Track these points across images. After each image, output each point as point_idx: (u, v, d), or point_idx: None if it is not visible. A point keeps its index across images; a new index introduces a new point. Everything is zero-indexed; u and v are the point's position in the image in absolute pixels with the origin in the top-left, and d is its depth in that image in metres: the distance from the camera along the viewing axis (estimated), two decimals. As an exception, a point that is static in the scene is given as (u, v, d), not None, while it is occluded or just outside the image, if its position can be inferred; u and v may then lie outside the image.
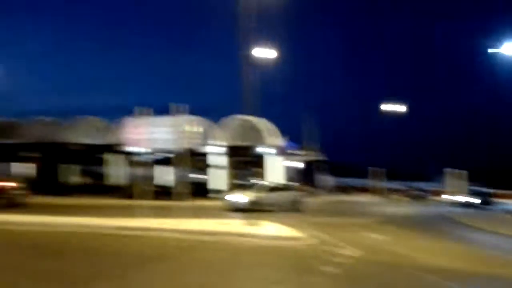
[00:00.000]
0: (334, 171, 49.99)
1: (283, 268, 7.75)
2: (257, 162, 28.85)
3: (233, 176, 32.12)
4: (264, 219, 13.64)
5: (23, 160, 27.75)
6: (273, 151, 28.17)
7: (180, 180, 22.47)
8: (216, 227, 12.07)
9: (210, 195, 27.11)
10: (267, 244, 10.24)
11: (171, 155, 23.78)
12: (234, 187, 28.39)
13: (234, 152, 29.31)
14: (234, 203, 19.73)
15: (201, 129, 28.48)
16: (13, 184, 18.72)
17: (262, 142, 28.90)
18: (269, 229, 12.17)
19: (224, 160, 29.96)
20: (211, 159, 29.31)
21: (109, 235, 11.30)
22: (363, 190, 47.47)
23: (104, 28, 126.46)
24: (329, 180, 47.50)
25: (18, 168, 30.54)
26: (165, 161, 26.37)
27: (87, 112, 32.41)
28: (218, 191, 27.19)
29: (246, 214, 14.79)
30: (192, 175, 33.97)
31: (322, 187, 42.16)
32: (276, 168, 28.50)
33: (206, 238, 10.84)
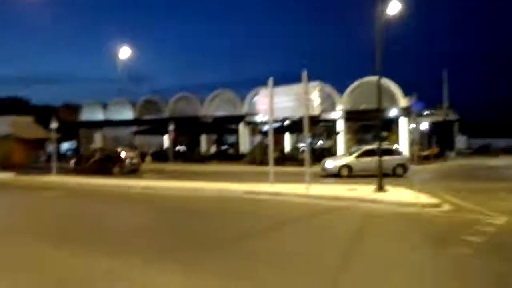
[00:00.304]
0: (470, 131, 44.86)
1: (419, 235, 7.39)
2: (385, 125, 27.53)
3: (356, 141, 31.37)
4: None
5: (164, 133, 31.04)
6: (402, 112, 26.51)
7: (304, 147, 22.93)
8: (343, 192, 12.03)
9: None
10: (400, 211, 9.84)
11: (296, 123, 24.45)
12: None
13: (359, 116, 28.47)
14: (327, 169, 19.48)
15: (326, 96, 28.37)
16: (131, 154, 22.59)
17: (391, 104, 27.41)
18: (399, 194, 11.65)
19: (347, 126, 29.39)
20: (335, 125, 29.00)
21: (244, 199, 12.20)
22: (506, 151, 41.32)
23: (230, 4, 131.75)
24: (463, 141, 42.94)
25: (159, 140, 34.83)
26: (290, 129, 27.12)
27: (219, 85, 34.89)
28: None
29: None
30: (316, 142, 34.30)
31: (455, 149, 38.30)
32: (404, 130, 26.88)
33: (333, 203, 10.92)
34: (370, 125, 31.32)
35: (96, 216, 9.97)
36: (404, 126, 26.95)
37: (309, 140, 25.84)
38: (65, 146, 40.73)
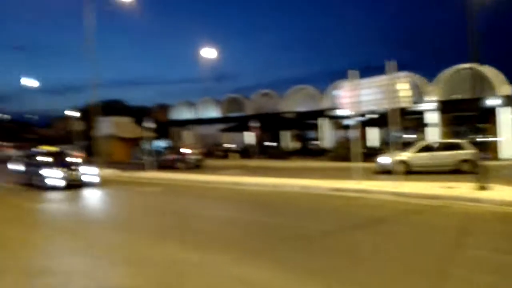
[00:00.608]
0: None
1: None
2: (482, 116, 25.05)
3: (449, 134, 28.99)
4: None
5: (247, 129, 31.75)
6: (504, 101, 23.86)
7: (392, 141, 21.75)
8: (437, 191, 11.15)
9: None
10: (507, 211, 8.84)
11: (382, 116, 23.32)
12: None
13: (452, 107, 26.28)
14: (381, 164, 18.20)
15: (414, 86, 26.64)
16: (194, 151, 25.10)
17: (489, 93, 24.85)
18: (506, 193, 10.45)
19: (438, 118, 27.27)
20: (425, 117, 27.10)
21: (328, 196, 11.95)
22: None
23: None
24: None
25: (241, 137, 35.70)
26: (376, 122, 25.98)
27: (300, 80, 34.70)
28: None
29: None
30: (405, 135, 32.41)
31: None
32: (506, 121, 24.16)
33: (427, 202, 10.18)
34: (464, 116, 28.74)
35: (188, 211, 10.51)
36: (506, 117, 24.21)
37: (396, 134, 24.55)
38: (158, 144, 43.82)
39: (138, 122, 33.27)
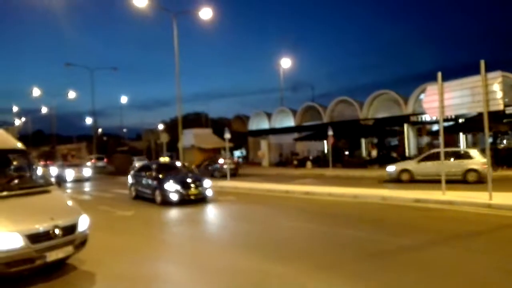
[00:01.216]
0: None
1: None
2: None
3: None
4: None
5: (322, 138, 31.11)
6: None
7: (481, 148, 19.75)
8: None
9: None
10: None
11: (473, 120, 21.37)
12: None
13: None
14: (389, 173, 18.67)
15: (510, 87, 24.04)
16: (229, 160, 26.01)
17: None
18: None
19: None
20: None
21: (410, 208, 11.22)
22: None
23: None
24: None
25: (316, 145, 35.16)
26: (466, 127, 23.90)
27: (380, 86, 33.32)
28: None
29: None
30: (499, 141, 29.33)
31: None
32: None
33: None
34: None
35: (263, 221, 10.60)
36: None
37: (490, 139, 22.28)
38: (237, 153, 45.08)
39: (218, 133, 34.64)
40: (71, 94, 47.26)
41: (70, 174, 28.74)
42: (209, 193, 14.19)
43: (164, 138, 27.59)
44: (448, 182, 13.74)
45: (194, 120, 47.85)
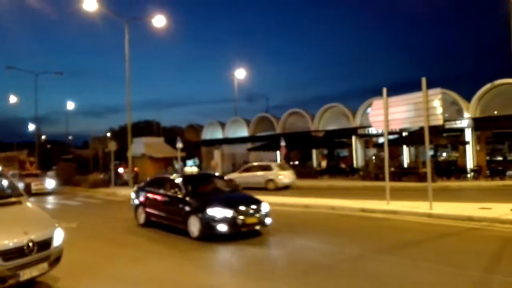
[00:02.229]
0: None
1: None
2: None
3: (486, 153, 27.74)
4: None
5: (275, 148, 31.53)
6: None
7: (423, 160, 21.04)
8: (473, 212, 10.60)
9: (463, 174, 24.20)
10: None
11: (415, 134, 22.68)
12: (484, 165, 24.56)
13: (491, 124, 25.21)
14: None
15: (451, 103, 25.80)
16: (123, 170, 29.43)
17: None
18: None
19: (476, 135, 26.19)
20: (461, 135, 26.09)
21: (357, 217, 11.65)
22: None
23: (337, 17, 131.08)
24: None
25: (268, 156, 35.60)
26: (409, 141, 25.27)
27: (330, 99, 34.41)
28: (471, 170, 24.08)
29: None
30: (439, 154, 31.28)
31: None
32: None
33: (462, 224, 9.70)
34: (504, 133, 27.44)
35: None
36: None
37: (431, 152, 23.70)
38: (189, 163, 44.51)
39: (170, 142, 34.02)
40: (13, 99, 44.51)
41: (50, 184, 24.77)
42: (268, 221, 9.42)
43: (112, 146, 26.67)
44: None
45: (145, 128, 46.66)
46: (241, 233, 8.79)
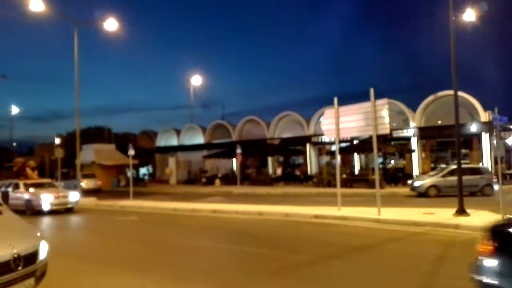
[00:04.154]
0: None
1: None
2: (465, 142, 25.49)
3: (431, 160, 29.38)
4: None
5: (231, 156, 31.48)
6: (483, 128, 24.38)
7: (372, 167, 21.90)
8: (418, 217, 11.15)
9: (407, 181, 25.41)
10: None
11: (365, 142, 23.56)
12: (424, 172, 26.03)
13: (435, 133, 26.75)
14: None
15: (398, 112, 27.08)
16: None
17: (470, 119, 25.43)
18: (482, 219, 10.47)
19: (422, 143, 27.66)
20: (408, 143, 27.45)
21: (309, 223, 11.85)
22: None
23: (291, 28, 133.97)
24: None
25: (223, 163, 35.51)
26: (359, 149, 26.18)
27: (286, 107, 34.81)
28: (415, 177, 25.35)
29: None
30: (388, 161, 32.68)
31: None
32: (487, 147, 24.59)
33: (407, 229, 10.15)
34: (447, 142, 29.21)
35: (162, 241, 10.26)
36: (486, 143, 24.68)
37: (380, 160, 24.70)
38: (143, 170, 43.33)
39: (122, 149, 32.96)
40: None
41: (46, 199, 16.52)
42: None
43: (59, 153, 25.36)
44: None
45: (95, 135, 44.84)
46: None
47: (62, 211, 16.83)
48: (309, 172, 30.85)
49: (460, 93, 14.55)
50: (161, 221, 13.93)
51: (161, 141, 41.44)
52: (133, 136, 44.85)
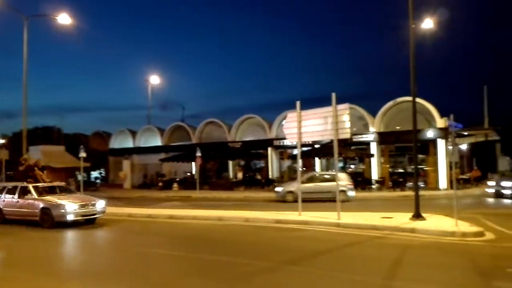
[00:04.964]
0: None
1: (461, 269, 6.92)
2: (422, 147, 26.71)
3: (389, 165, 30.52)
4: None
5: (191, 159, 31.13)
6: (439, 134, 25.69)
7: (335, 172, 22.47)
8: (377, 221, 11.58)
9: (368, 185, 26.30)
10: (439, 241, 9.32)
11: (326, 146, 24.14)
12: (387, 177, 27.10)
13: (393, 138, 27.83)
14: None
15: (358, 117, 27.94)
16: None
17: (427, 125, 26.70)
18: (437, 222, 11.07)
19: (381, 148, 28.71)
20: (367, 148, 28.40)
21: (270, 228, 11.96)
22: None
23: (253, 29, 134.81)
24: (506, 163, 40.85)
25: (182, 167, 35.10)
26: (320, 153, 26.77)
27: (248, 110, 34.83)
28: (376, 181, 26.28)
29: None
30: (348, 166, 33.64)
31: (498, 172, 36.53)
32: (442, 152, 25.95)
33: (367, 233, 10.52)
34: (405, 147, 30.50)
35: (113, 249, 10.01)
36: (442, 148, 26.03)
37: (340, 164, 25.38)
38: (95, 174, 41.90)
39: (73, 151, 31.70)
40: None
41: (71, 208, 13.04)
42: None
43: (3, 155, 24.10)
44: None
45: (44, 135, 42.87)
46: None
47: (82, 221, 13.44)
48: (270, 176, 31.12)
49: (418, 100, 15.26)
50: (116, 227, 13.53)
51: (115, 143, 40.30)
52: (85, 137, 43.25)
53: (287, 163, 33.07)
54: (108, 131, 42.58)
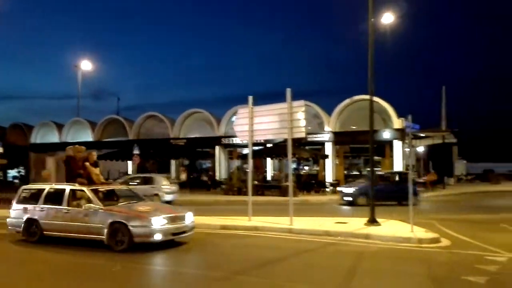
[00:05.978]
0: (470, 156, 46.08)
1: (416, 276, 7.33)
2: (378, 149, 27.88)
3: (344, 166, 31.60)
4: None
5: (125, 157, 30.33)
6: (396, 135, 26.96)
7: (286, 173, 22.91)
8: (331, 227, 11.95)
9: (322, 188, 27.05)
10: (394, 247, 9.79)
11: (279, 146, 24.48)
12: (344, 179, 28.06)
13: (349, 139, 28.76)
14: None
15: (313, 116, 28.57)
16: None
17: (384, 125, 27.84)
18: (393, 228, 11.64)
19: (336, 149, 29.58)
20: (322, 149, 29.16)
21: (217, 235, 11.91)
22: (508, 177, 42.86)
23: (204, 20, 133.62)
24: (462, 166, 43.93)
25: (120, 165, 34.18)
26: (273, 153, 27.11)
27: (193, 105, 34.46)
28: (330, 184, 27.06)
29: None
30: (302, 167, 34.35)
31: (454, 175, 39.15)
32: (399, 154, 27.28)
33: (320, 239, 10.81)
34: (360, 149, 31.70)
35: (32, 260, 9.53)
36: (398, 150, 27.34)
37: (293, 165, 25.90)
38: (12, 173, 39.67)
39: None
40: None
41: (158, 223, 9.59)
42: None
43: None
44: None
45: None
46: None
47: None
48: (217, 177, 31.06)
49: (375, 98, 15.90)
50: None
51: (37, 137, 38.36)
52: (1, 130, 40.72)
53: (236, 163, 33.16)
54: (29, 123, 40.41)
